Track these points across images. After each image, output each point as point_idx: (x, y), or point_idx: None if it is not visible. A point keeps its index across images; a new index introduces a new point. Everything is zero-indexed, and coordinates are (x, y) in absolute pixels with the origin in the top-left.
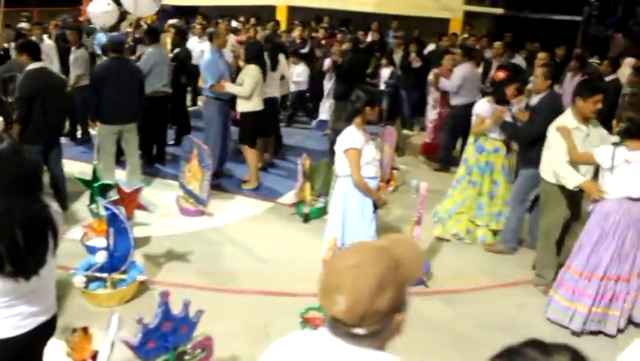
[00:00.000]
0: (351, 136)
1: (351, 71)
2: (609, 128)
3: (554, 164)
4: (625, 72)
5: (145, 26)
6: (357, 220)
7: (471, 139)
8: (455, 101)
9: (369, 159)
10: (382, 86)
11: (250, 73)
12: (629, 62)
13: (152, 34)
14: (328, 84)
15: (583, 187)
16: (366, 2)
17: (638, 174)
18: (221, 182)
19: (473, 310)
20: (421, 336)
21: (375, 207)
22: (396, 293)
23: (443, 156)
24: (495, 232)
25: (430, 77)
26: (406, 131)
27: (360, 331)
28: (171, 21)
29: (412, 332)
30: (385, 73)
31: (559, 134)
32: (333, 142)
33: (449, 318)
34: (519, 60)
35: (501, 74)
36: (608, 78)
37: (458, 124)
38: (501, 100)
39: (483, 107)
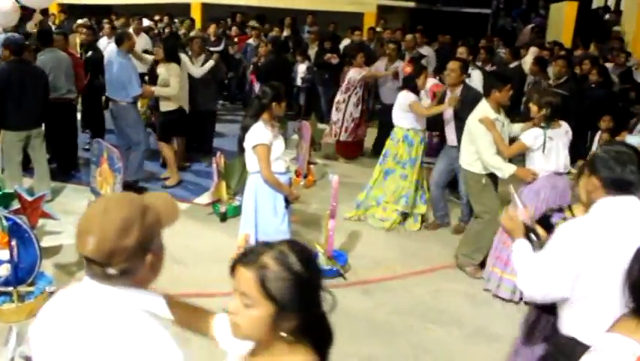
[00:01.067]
0: (259, 132)
1: (272, 73)
2: (514, 115)
3: (485, 156)
4: (528, 61)
5: (54, 27)
6: (269, 216)
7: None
8: (390, 100)
9: (279, 155)
10: (299, 82)
11: (174, 72)
12: (533, 52)
13: (43, 38)
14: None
15: (516, 174)
16: None
17: (560, 150)
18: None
19: (390, 299)
20: (338, 326)
21: (288, 202)
22: (143, 234)
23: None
24: (406, 216)
25: (359, 76)
26: (322, 126)
27: (111, 270)
28: (80, 21)
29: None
30: (301, 69)
31: (482, 126)
32: (241, 139)
33: (366, 308)
34: (426, 50)
35: (408, 69)
36: (511, 65)
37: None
38: (413, 91)
39: (409, 97)
